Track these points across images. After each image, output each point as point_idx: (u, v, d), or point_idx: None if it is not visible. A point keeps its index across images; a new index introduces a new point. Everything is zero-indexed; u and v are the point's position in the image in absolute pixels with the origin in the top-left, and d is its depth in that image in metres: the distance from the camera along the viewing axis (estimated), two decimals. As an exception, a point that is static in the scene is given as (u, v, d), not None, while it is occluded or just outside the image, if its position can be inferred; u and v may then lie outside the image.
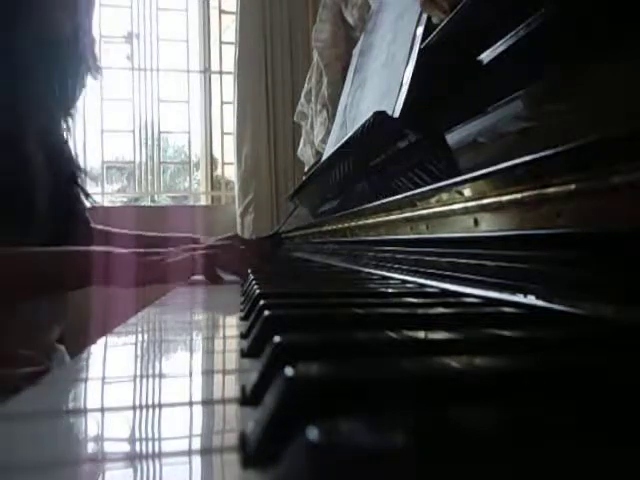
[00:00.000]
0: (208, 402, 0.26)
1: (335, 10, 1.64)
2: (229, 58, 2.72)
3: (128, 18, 2.75)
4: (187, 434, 0.22)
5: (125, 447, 0.21)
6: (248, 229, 2.52)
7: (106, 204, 2.72)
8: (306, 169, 1.87)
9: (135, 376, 0.31)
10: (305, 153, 1.90)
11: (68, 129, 0.94)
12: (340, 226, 0.90)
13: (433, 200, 0.49)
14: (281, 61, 2.62)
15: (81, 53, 0.91)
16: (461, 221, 0.44)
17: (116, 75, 2.70)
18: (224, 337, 0.46)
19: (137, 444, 0.20)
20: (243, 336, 0.39)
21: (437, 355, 0.23)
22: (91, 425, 0.23)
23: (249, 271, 0.81)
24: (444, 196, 0.47)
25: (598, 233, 0.29)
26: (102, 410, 0.25)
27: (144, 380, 0.30)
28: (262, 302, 0.40)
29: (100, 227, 1.13)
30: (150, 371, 0.33)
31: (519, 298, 0.35)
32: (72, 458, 0.19)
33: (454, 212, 0.45)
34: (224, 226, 2.43)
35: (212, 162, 2.86)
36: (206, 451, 0.19)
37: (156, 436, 0.21)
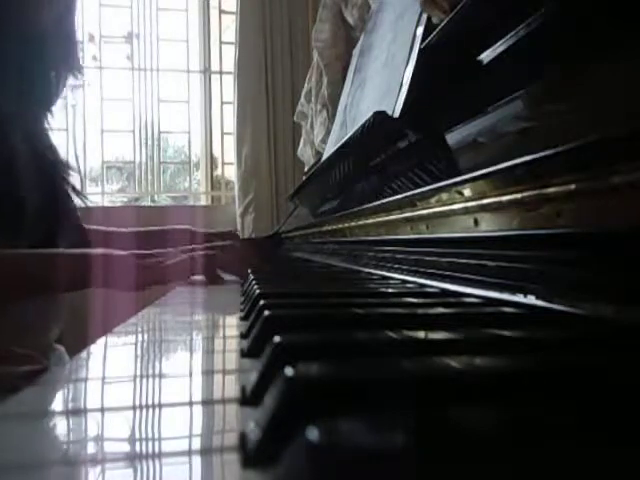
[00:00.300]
0: (208, 402, 0.26)
1: (335, 10, 1.64)
2: (229, 58, 2.72)
3: (128, 18, 2.75)
4: (187, 434, 0.22)
5: (125, 447, 0.21)
6: (248, 229, 2.52)
7: (106, 204, 2.72)
8: (306, 169, 1.87)
9: (135, 376, 0.31)
10: (305, 153, 1.90)
11: (51, 128, 0.93)
12: (340, 226, 0.90)
13: (433, 200, 0.49)
14: (281, 61, 2.62)
15: (62, 52, 0.89)
16: (461, 221, 0.44)
17: (116, 75, 2.70)
18: (224, 337, 0.46)
19: (137, 444, 0.20)
20: (243, 336, 0.39)
21: (437, 355, 0.23)
22: (91, 425, 0.23)
23: (249, 271, 0.81)
24: (444, 196, 0.47)
25: (598, 233, 0.29)
26: (102, 410, 0.25)
27: (144, 380, 0.30)
28: (262, 302, 0.40)
29: (95, 227, 1.12)
30: (150, 371, 0.33)
31: (519, 298, 0.35)
32: (72, 458, 0.19)
33: (454, 212, 0.45)
34: (224, 226, 2.43)
35: (212, 162, 2.86)
36: (206, 451, 0.19)
37: (156, 436, 0.21)
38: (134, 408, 0.25)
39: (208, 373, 0.32)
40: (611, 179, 0.27)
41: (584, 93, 0.36)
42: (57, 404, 0.26)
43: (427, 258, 0.54)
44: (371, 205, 0.69)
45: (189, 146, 2.90)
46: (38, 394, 0.27)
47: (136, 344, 0.44)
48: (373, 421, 0.15)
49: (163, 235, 1.10)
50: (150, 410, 0.24)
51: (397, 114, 0.66)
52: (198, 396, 0.27)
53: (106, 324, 0.61)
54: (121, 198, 2.88)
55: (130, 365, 0.36)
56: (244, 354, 0.33)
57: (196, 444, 0.21)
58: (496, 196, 0.38)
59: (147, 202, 2.82)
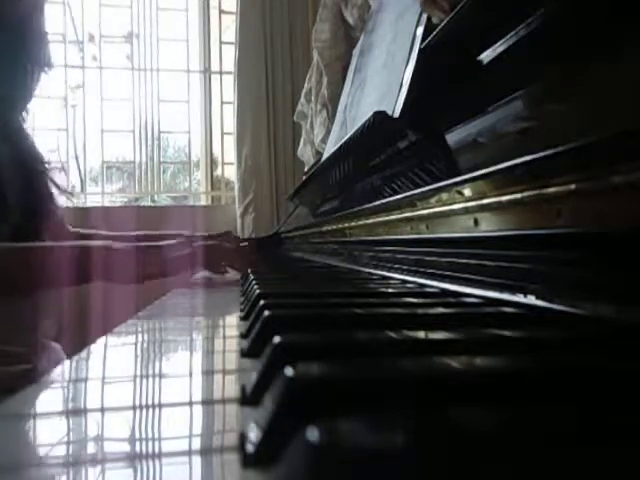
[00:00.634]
0: (208, 402, 0.26)
1: (335, 10, 1.64)
2: (229, 58, 2.72)
3: (128, 18, 2.75)
4: (187, 434, 0.22)
5: (125, 447, 0.21)
6: (248, 229, 2.52)
7: (106, 204, 2.72)
8: (306, 169, 1.87)
9: (135, 376, 0.31)
10: (305, 153, 1.90)
11: (26, 124, 0.92)
12: (340, 226, 0.90)
13: (433, 200, 0.49)
14: (281, 61, 2.62)
15: (34, 48, 0.88)
16: (461, 221, 0.44)
17: (116, 75, 2.70)
18: (224, 337, 0.46)
19: (137, 444, 0.20)
20: (243, 336, 0.39)
21: (437, 355, 0.23)
22: (91, 425, 0.23)
23: (249, 271, 0.81)
24: (444, 196, 0.47)
25: (598, 233, 0.29)
26: (102, 410, 0.25)
27: (144, 380, 0.30)
28: (262, 302, 0.40)
29: (94, 231, 1.10)
30: (150, 371, 0.33)
31: (519, 298, 0.35)
32: (72, 458, 0.19)
33: (454, 212, 0.45)
34: (224, 226, 2.42)
35: (212, 162, 2.86)
36: (206, 451, 0.19)
37: (156, 436, 0.21)
38: (134, 408, 0.25)
39: (208, 373, 0.32)
40: (611, 179, 0.27)
41: (584, 93, 0.36)
42: (57, 404, 0.26)
43: (427, 258, 0.54)
44: (371, 205, 0.69)
45: (189, 146, 2.90)
46: (38, 394, 0.27)
47: (136, 344, 0.44)
48: (373, 421, 0.15)
49: (161, 239, 1.10)
50: (150, 410, 0.24)
51: (397, 114, 0.66)
52: (198, 396, 0.27)
53: (106, 323, 0.61)
54: (121, 198, 2.88)
55: (130, 365, 0.36)
56: (244, 354, 0.33)
57: (196, 444, 0.21)
58: (496, 196, 0.38)
59: (147, 202, 2.82)
